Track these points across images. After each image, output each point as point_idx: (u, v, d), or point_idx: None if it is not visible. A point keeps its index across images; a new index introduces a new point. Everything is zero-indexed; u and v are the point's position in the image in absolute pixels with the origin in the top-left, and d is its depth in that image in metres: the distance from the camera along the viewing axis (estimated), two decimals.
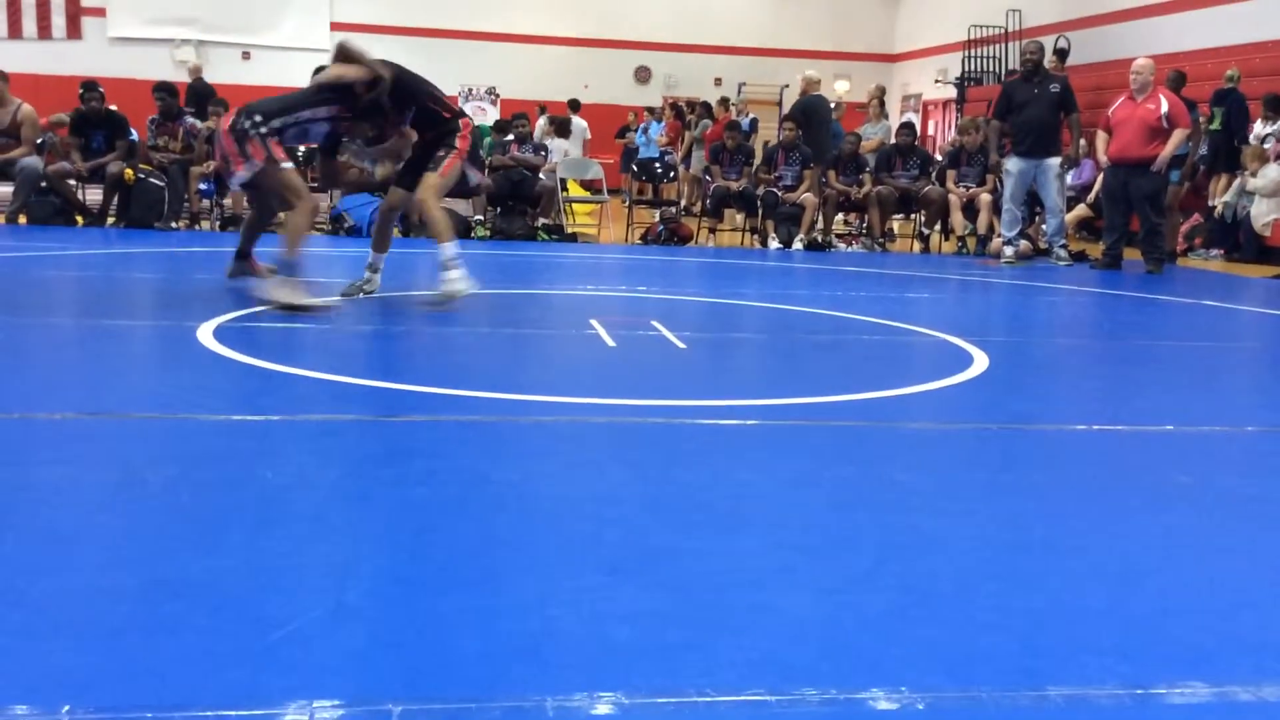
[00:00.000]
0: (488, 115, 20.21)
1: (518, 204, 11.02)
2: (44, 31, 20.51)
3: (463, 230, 10.69)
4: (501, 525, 2.61)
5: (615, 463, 3.19)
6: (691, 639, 2.00)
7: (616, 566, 2.34)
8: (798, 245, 10.86)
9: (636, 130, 17.20)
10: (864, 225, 11.74)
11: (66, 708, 1.66)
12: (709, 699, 1.78)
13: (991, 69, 18.54)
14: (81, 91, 10.10)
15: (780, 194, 11.00)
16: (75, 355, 4.62)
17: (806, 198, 10.94)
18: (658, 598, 2.18)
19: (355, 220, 10.22)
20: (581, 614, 2.09)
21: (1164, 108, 9.35)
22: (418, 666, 1.86)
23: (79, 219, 10.03)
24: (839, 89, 20.24)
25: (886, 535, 2.64)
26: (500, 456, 3.24)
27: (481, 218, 10.78)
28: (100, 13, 20.67)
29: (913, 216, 12.27)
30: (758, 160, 11.66)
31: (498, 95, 21.27)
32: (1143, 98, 9.45)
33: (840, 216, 12.15)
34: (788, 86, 20.00)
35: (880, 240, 11.39)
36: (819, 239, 11.09)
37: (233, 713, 1.68)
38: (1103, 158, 9.84)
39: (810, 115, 11.77)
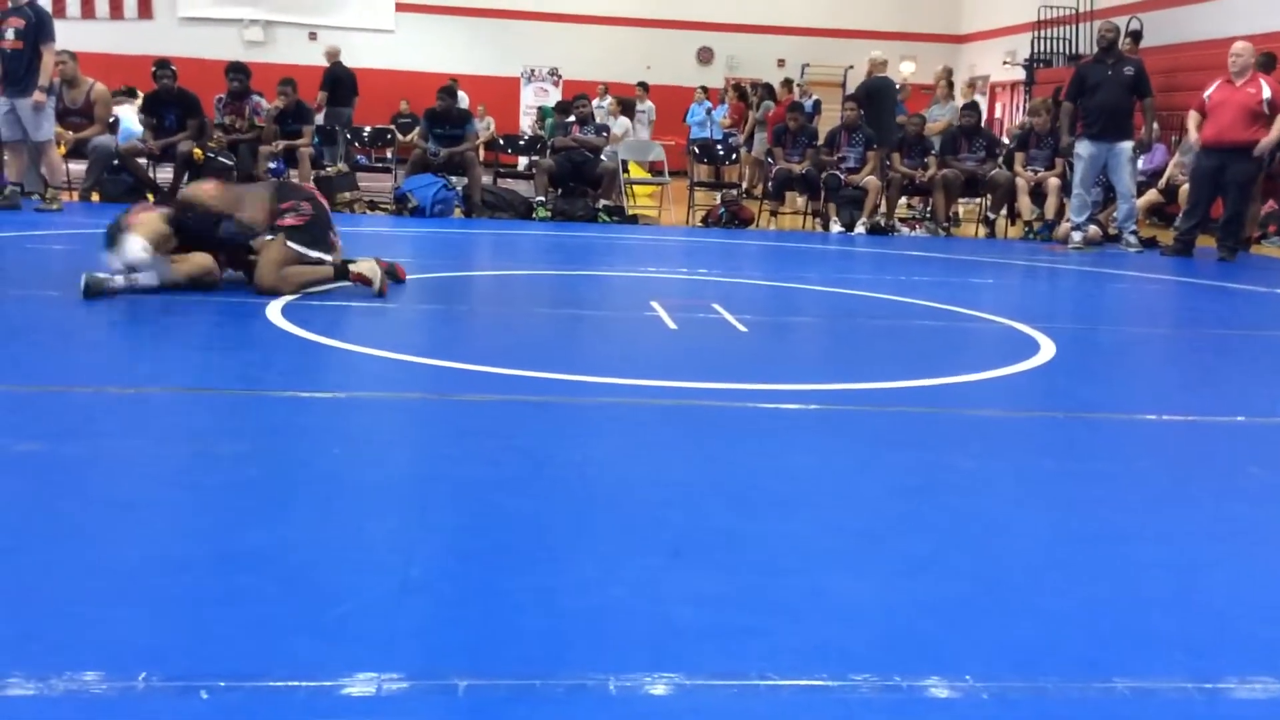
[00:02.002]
0: (549, 96, 20.26)
1: (579, 185, 11.04)
2: (116, 12, 20.87)
3: (524, 211, 10.75)
4: (564, 505, 2.63)
5: (676, 445, 3.19)
6: (753, 623, 2.01)
7: (678, 548, 2.35)
8: (860, 229, 10.77)
9: (693, 108, 17.09)
10: (928, 209, 11.60)
11: (143, 675, 1.71)
12: (770, 683, 1.79)
13: (1061, 50, 18.17)
14: (154, 70, 10.28)
15: (843, 176, 10.90)
16: (151, 331, 4.72)
17: (869, 180, 10.83)
18: (719, 580, 2.19)
19: (419, 200, 10.30)
20: (643, 595, 2.10)
21: (1265, 92, 9.05)
22: (482, 642, 1.89)
23: (149, 196, 10.21)
24: (904, 70, 19.97)
25: (950, 522, 2.62)
26: (562, 437, 3.26)
27: (543, 199, 10.82)
28: None
29: (978, 200, 12.09)
30: (820, 142, 11.56)
31: (560, 76, 21.29)
32: (1242, 81, 9.17)
33: (904, 200, 12.01)
34: (852, 68, 19.79)
35: (945, 225, 11.25)
36: (882, 222, 10.98)
37: (302, 683, 1.71)
38: (1194, 140, 9.59)
39: (875, 97, 11.64)
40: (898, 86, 13.13)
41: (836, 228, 10.91)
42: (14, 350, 4.09)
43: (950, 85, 13.47)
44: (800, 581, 2.21)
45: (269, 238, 5.39)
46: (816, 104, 14.69)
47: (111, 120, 10.49)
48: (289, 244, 5.37)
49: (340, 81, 13.99)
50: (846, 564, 2.32)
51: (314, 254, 5.47)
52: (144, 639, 1.84)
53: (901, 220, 11.50)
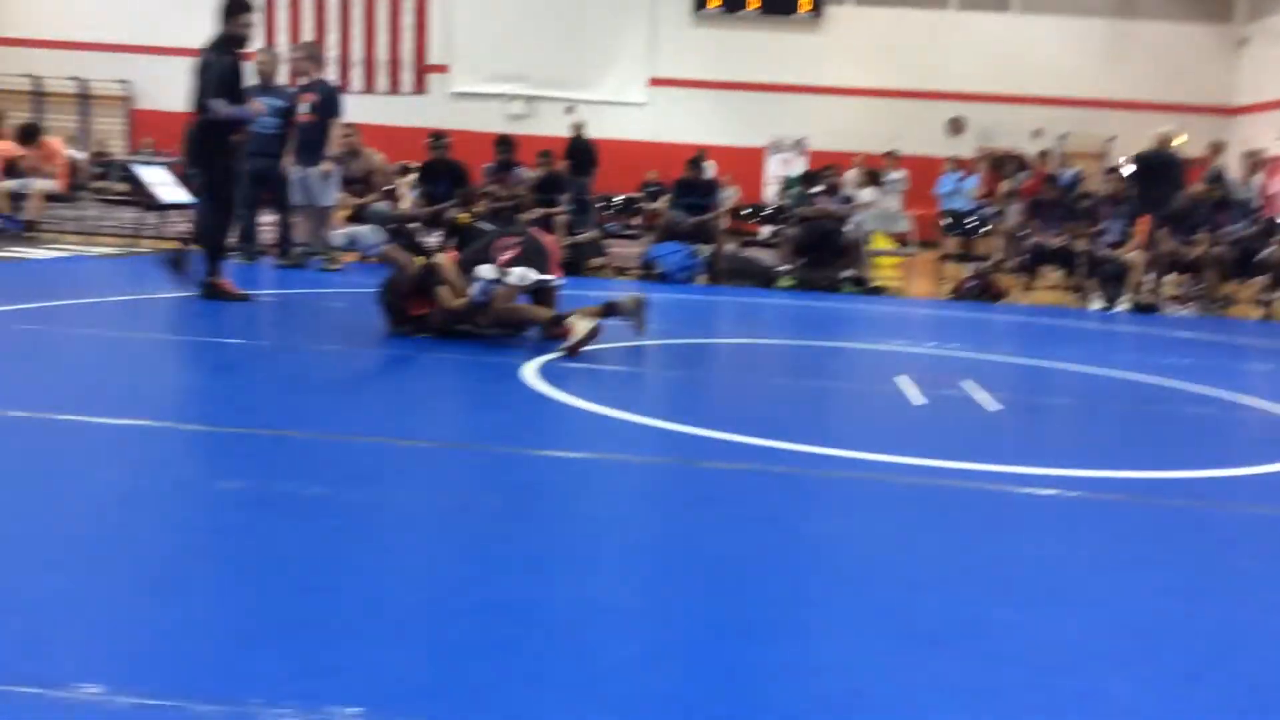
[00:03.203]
0: (794, 166, 20.37)
1: (823, 255, 11.04)
2: (394, 87, 22.51)
3: (766, 279, 10.83)
4: (810, 581, 2.63)
5: (925, 526, 3.13)
6: (1019, 718, 1.93)
7: (930, 635, 2.30)
8: (1122, 306, 10.26)
9: (944, 178, 16.77)
10: (1198, 287, 10.93)
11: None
12: None
13: None
14: (430, 141, 11.02)
15: (1104, 251, 10.44)
16: (420, 387, 5.03)
17: (1133, 255, 10.33)
18: (974, 672, 2.12)
19: (665, 267, 10.57)
20: (895, 682, 2.07)
21: None
22: (730, 715, 1.90)
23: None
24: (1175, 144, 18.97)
25: (1224, 628, 2.44)
26: (806, 510, 3.25)
27: (786, 267, 10.87)
28: (444, 69, 22.49)
29: (1253, 280, 11.30)
30: (1080, 215, 11.12)
31: (806, 147, 21.40)
32: None
33: (1171, 276, 11.37)
34: (1114, 139, 19.00)
35: (1217, 304, 10.57)
36: (1146, 300, 10.43)
37: None
38: None
39: (1158, 170, 11.07)
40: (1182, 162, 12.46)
41: (1097, 304, 10.44)
42: (303, 400, 4.45)
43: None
44: (1063, 680, 2.11)
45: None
46: (1076, 176, 14.17)
47: (388, 189, 11.30)
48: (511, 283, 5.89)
49: (580, 152, 14.74)
50: (1112, 664, 2.20)
51: (534, 275, 5.92)
52: (417, 682, 1.96)
53: (1170, 299, 10.89)
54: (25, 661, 1.93)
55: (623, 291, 6.13)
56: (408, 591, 2.41)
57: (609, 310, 5.93)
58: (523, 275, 5.86)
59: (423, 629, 2.20)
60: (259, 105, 7.44)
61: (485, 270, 5.85)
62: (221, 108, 6.97)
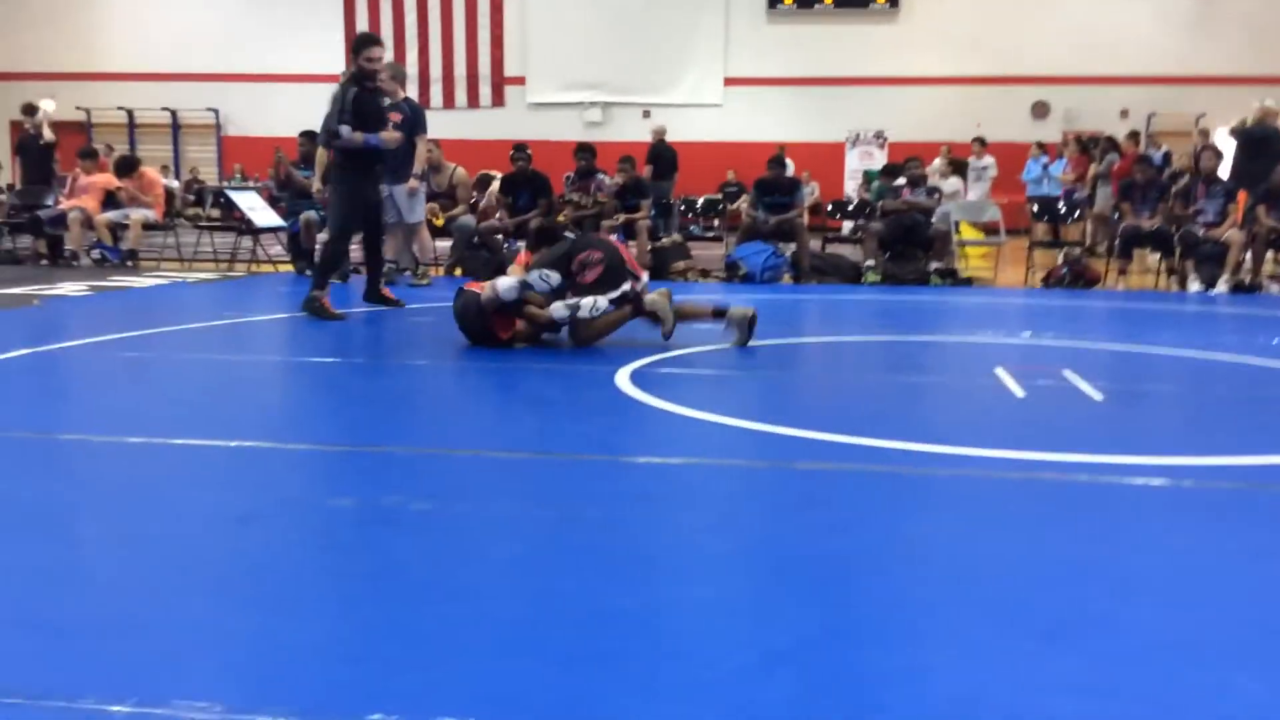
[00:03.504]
0: (875, 159, 20.17)
1: (909, 248, 10.90)
2: (473, 101, 22.83)
3: (852, 275, 10.73)
4: (922, 580, 2.59)
5: (1038, 520, 3.07)
6: (1145, 716, 1.89)
7: (1051, 633, 2.25)
8: (1222, 287, 9.96)
9: (1030, 164, 16.45)
10: None
11: None
12: None
13: None
14: (512, 154, 11.14)
15: (1201, 231, 10.15)
16: (513, 397, 5.08)
17: (1231, 234, 10.01)
18: (1102, 670, 2.08)
19: (749, 268, 10.53)
20: (1017, 681, 2.03)
21: None
22: (854, 717, 1.89)
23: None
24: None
25: None
26: (912, 509, 3.22)
27: (872, 262, 10.76)
28: (520, 81, 22.74)
29: None
30: (1173, 195, 10.82)
31: (885, 139, 21.17)
32: None
33: (1270, 255, 11.00)
34: (1204, 115, 18.45)
35: None
36: (1246, 280, 10.11)
37: None
38: None
39: (1259, 145, 10.74)
40: None
41: (1195, 286, 10.15)
42: (402, 416, 4.53)
43: None
44: (1196, 675, 2.06)
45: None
46: (1167, 156, 13.79)
47: (472, 201, 11.44)
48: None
49: (662, 157, 14.84)
50: (1247, 659, 2.14)
51: (604, 302, 6.06)
52: (524, 692, 1.98)
53: (1270, 278, 10.54)
54: (153, 681, 1.99)
55: (732, 301, 6.28)
56: (517, 603, 2.43)
57: (716, 314, 6.29)
58: (594, 305, 5.98)
59: (533, 640, 2.22)
60: (395, 135, 7.68)
61: (559, 309, 5.99)
62: (350, 135, 7.37)
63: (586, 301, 5.97)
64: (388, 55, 21.00)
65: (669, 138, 15.78)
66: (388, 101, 9.74)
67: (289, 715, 1.87)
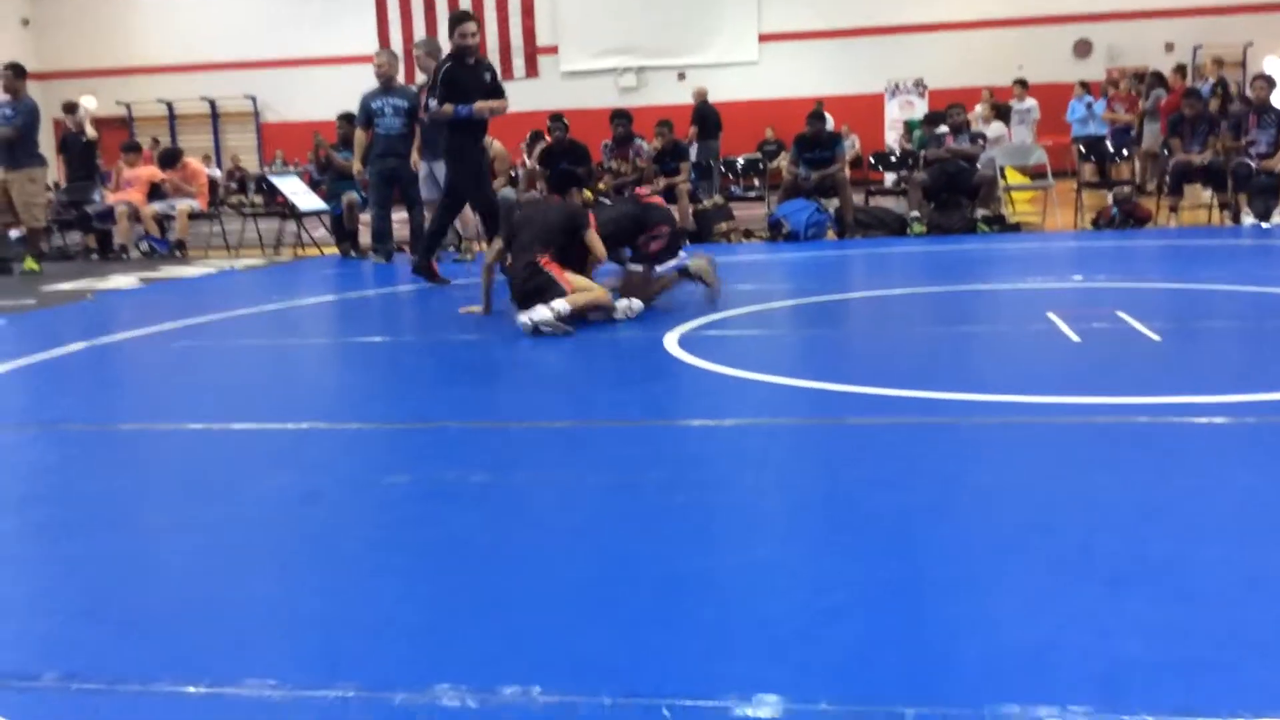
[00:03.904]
0: (915, 109, 19.88)
1: (954, 196, 10.74)
2: (506, 73, 22.73)
3: (898, 227, 10.61)
4: (983, 530, 2.57)
5: (1099, 465, 3.03)
6: (1215, 657, 1.87)
7: (1118, 577, 2.23)
8: (1277, 219, 9.73)
9: (1073, 104, 16.12)
10: None
11: (608, 697, 1.84)
12: None
13: None
14: (550, 123, 11.10)
15: (1254, 163, 9.91)
16: (564, 368, 5.10)
17: None
18: (1170, 611, 2.05)
19: (792, 226, 10.45)
20: (1086, 626, 2.01)
21: None
22: (918, 670, 1.88)
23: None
24: None
25: None
26: (972, 459, 3.19)
27: (917, 213, 10.62)
28: (553, 50, 22.63)
29: None
30: (1224, 129, 10.56)
31: (925, 87, 20.84)
32: None
33: None
34: (1251, 44, 17.97)
35: None
36: None
37: (749, 705, 1.78)
38: None
39: None
40: None
41: (1249, 220, 9.92)
42: (454, 391, 4.56)
43: None
44: (1265, 614, 2.03)
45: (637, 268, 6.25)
46: (1214, 87, 13.45)
47: (510, 173, 11.43)
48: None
49: (707, 119, 14.73)
50: None
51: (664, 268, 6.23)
52: (596, 655, 1.99)
53: None
54: (226, 662, 2.03)
55: (776, 260, 6.30)
56: (579, 569, 2.45)
57: (683, 275, 6.33)
58: (628, 307, 5.98)
59: (596, 606, 2.23)
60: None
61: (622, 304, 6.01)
62: (437, 109, 7.48)
63: (623, 304, 5.98)
64: (419, 32, 20.85)
65: (712, 97, 15.68)
66: (423, 78, 9.74)
67: (358, 689, 1.90)
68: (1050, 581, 2.23)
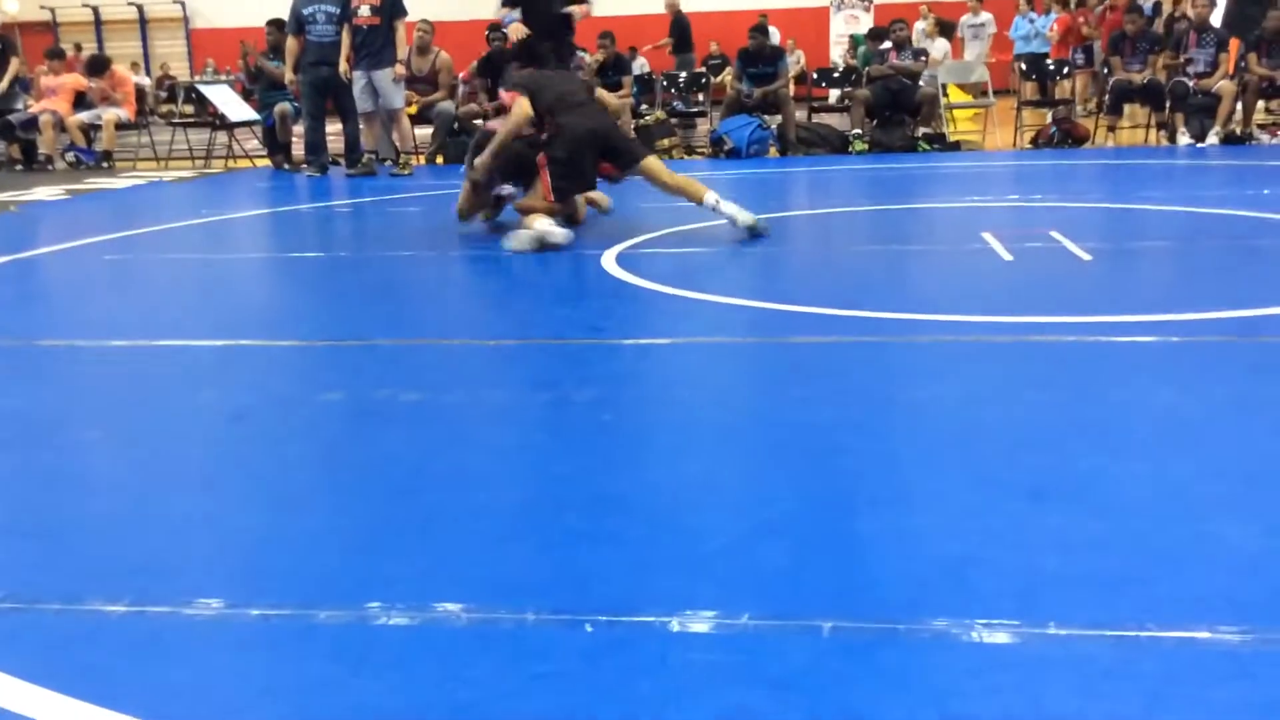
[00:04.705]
0: (860, 23, 19.72)
1: (896, 114, 10.72)
2: None
3: (840, 145, 10.58)
4: (912, 447, 2.61)
5: (1026, 383, 3.07)
6: (1130, 570, 1.92)
7: (1039, 491, 2.28)
8: (1212, 139, 9.84)
9: (1017, 20, 16.04)
10: None
11: (531, 614, 1.86)
12: (1151, 634, 1.71)
13: None
14: (488, 33, 10.85)
15: (1191, 83, 9.98)
16: (501, 284, 5.05)
17: (1222, 85, 9.85)
18: (1088, 526, 2.10)
19: (735, 142, 10.38)
20: (1006, 540, 2.06)
21: None
22: (842, 585, 1.92)
23: None
24: None
25: None
26: (902, 377, 3.22)
27: (859, 131, 10.60)
28: None
29: None
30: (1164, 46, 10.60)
31: (872, 1, 20.65)
32: None
33: (1262, 105, 10.85)
34: None
35: None
36: (1238, 131, 9.98)
37: (675, 620, 1.81)
38: None
39: None
40: None
41: (1185, 140, 10.03)
42: (388, 308, 4.50)
43: None
44: (1179, 528, 2.08)
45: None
46: (1157, 5, 13.48)
47: (453, 85, 11.19)
48: None
49: (685, 30, 14.48)
50: (1229, 510, 2.17)
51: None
52: (527, 576, 2.00)
53: (1260, 127, 10.41)
54: (150, 580, 2.01)
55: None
56: (511, 488, 2.45)
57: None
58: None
59: (528, 524, 2.24)
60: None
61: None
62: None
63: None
64: None
65: (647, 9, 15.43)
66: None
67: (287, 607, 1.89)
68: (973, 497, 2.27)
